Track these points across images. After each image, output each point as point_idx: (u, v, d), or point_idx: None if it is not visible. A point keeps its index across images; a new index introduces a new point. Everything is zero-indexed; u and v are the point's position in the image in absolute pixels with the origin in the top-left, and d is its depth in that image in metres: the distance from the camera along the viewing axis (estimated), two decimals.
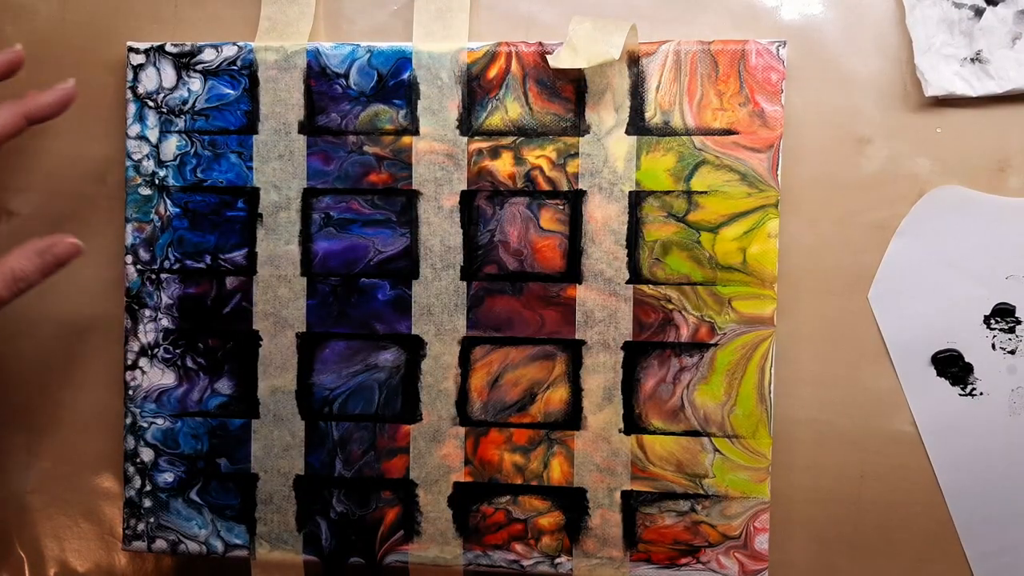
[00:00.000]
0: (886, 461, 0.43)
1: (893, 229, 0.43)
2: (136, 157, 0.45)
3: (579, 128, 0.43)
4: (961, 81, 0.42)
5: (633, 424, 0.43)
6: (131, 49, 0.45)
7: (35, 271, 0.40)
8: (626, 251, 0.43)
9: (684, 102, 0.42)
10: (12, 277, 0.40)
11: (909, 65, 0.42)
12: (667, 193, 0.43)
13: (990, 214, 0.42)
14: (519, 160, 0.43)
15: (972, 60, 0.42)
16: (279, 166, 0.45)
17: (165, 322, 0.46)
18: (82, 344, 0.48)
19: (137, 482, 0.46)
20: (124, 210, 0.46)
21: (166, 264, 0.45)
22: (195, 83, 0.45)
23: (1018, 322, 0.42)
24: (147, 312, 0.46)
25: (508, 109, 0.43)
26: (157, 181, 0.45)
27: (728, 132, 0.42)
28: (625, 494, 0.44)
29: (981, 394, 0.43)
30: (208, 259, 0.45)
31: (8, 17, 0.47)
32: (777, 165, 0.42)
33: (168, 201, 0.45)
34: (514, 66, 0.43)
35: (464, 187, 0.44)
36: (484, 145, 0.44)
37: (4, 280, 0.40)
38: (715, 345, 0.43)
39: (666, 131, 0.43)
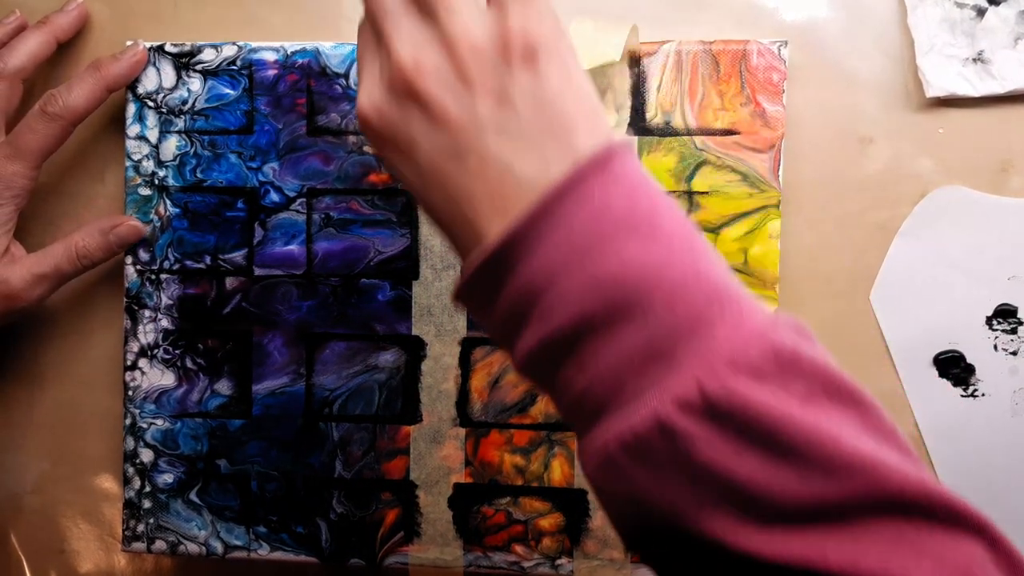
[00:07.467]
0: None
1: (895, 230, 0.43)
2: (136, 157, 0.45)
3: None
4: (963, 81, 0.42)
5: None
6: None
7: (98, 249, 0.44)
8: None
9: (685, 102, 0.42)
10: (76, 254, 0.44)
11: (911, 65, 0.42)
12: (668, 193, 0.42)
13: (992, 215, 0.42)
14: None
15: (974, 60, 0.42)
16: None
17: (165, 323, 0.45)
18: (82, 344, 0.47)
19: (137, 483, 0.46)
20: (124, 210, 0.46)
21: (166, 264, 0.45)
22: (195, 83, 0.45)
23: (1020, 323, 0.42)
24: (147, 313, 0.45)
25: None
26: (157, 181, 0.45)
27: (729, 132, 0.42)
28: None
29: (983, 395, 0.43)
30: (208, 259, 0.45)
31: None
32: (779, 165, 0.42)
33: (168, 201, 0.45)
34: None
35: None
36: None
37: (69, 256, 0.43)
38: None
39: (667, 131, 0.42)
